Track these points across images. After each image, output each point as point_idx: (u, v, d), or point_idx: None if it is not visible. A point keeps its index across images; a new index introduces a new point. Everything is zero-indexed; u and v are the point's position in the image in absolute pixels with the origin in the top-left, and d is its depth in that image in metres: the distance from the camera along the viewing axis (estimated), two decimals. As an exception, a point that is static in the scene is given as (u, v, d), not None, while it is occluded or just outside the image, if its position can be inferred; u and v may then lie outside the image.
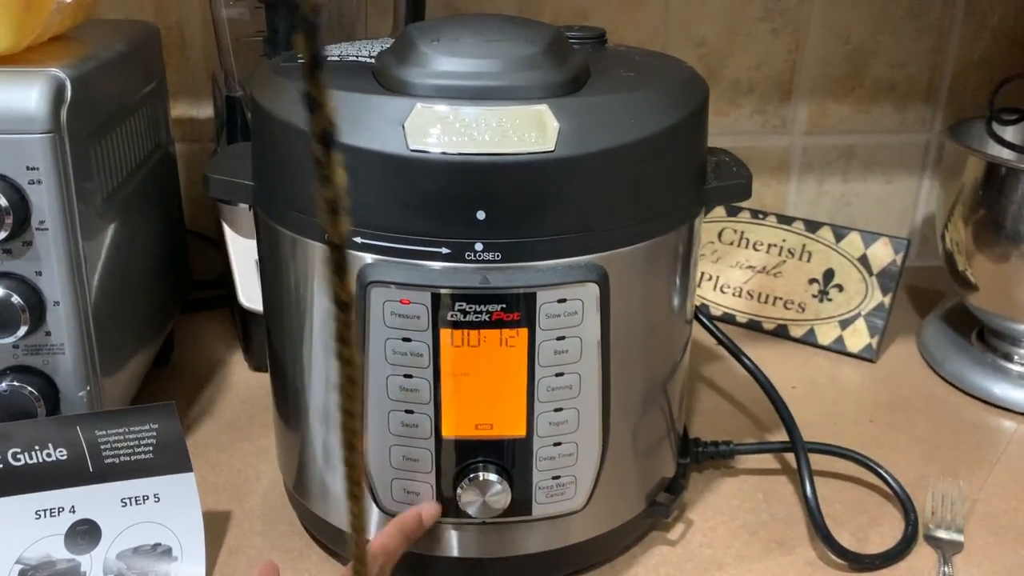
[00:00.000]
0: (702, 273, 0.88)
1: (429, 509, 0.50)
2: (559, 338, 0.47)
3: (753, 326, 0.86)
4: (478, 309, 0.46)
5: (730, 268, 0.88)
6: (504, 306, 0.46)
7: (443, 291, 0.45)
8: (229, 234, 0.74)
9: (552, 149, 0.44)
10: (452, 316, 0.46)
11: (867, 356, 0.81)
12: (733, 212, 0.88)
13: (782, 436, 0.66)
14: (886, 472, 0.64)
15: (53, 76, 0.53)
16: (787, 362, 0.81)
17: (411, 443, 0.49)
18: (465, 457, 0.49)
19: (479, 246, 0.45)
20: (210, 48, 0.86)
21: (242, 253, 0.73)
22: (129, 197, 0.66)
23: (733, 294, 0.87)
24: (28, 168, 0.53)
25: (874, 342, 0.81)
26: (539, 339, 0.47)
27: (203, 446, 0.68)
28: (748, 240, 0.87)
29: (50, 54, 0.58)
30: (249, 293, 0.72)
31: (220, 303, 0.88)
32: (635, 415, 0.53)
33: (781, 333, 0.85)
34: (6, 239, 0.53)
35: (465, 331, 0.46)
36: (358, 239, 0.46)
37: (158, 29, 0.74)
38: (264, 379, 0.77)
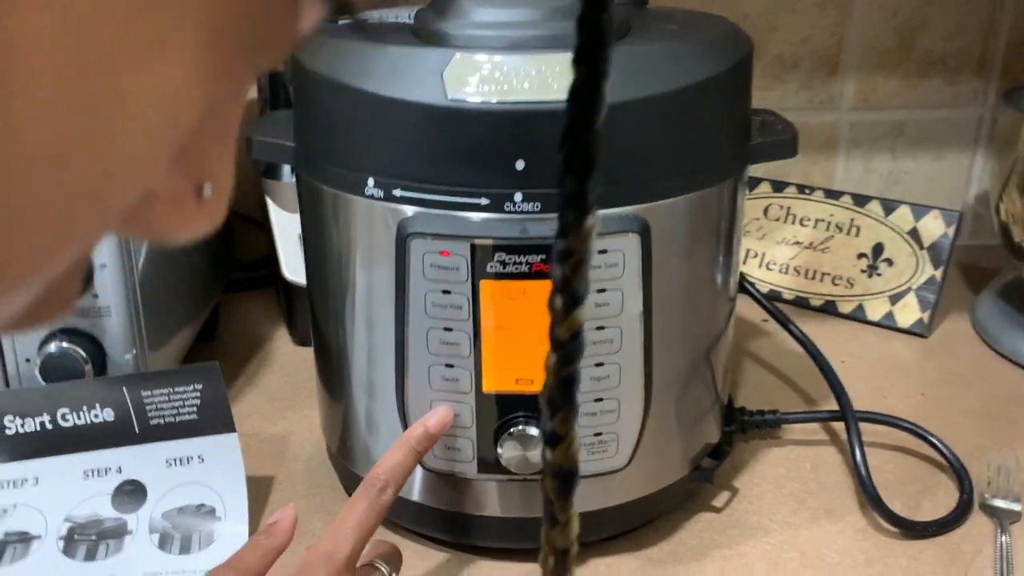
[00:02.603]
0: (748, 250, 0.87)
1: (435, 417, 0.48)
2: (600, 291, 0.47)
3: (800, 303, 0.84)
4: (518, 260, 0.45)
5: (776, 244, 0.86)
6: (544, 257, 0.45)
7: (482, 242, 0.45)
8: (272, 208, 0.75)
9: (592, 96, 0.44)
10: (492, 267, 0.45)
11: (918, 331, 0.79)
12: (779, 188, 0.87)
13: (830, 408, 0.64)
14: (939, 441, 0.62)
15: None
16: (835, 338, 0.80)
17: (452, 398, 0.49)
18: (505, 412, 0.49)
19: (518, 196, 0.45)
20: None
21: (285, 227, 0.74)
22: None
23: (780, 271, 0.86)
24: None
25: (925, 317, 0.79)
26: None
27: (247, 415, 0.68)
28: (795, 216, 0.86)
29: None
30: (292, 265, 0.73)
31: (265, 283, 0.89)
32: (678, 376, 0.52)
33: (829, 309, 0.83)
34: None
35: (505, 282, 0.46)
36: (397, 191, 0.46)
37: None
38: (308, 353, 0.77)
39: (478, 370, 0.48)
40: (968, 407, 0.69)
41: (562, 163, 0.18)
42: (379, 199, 0.47)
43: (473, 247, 0.45)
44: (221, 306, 0.83)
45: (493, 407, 0.49)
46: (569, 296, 0.19)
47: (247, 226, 0.92)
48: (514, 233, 0.45)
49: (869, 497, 0.56)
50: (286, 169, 0.74)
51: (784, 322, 0.65)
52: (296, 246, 0.74)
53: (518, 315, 0.47)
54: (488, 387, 0.48)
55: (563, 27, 0.46)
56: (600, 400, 0.49)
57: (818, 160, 0.94)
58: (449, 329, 0.47)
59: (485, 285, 0.46)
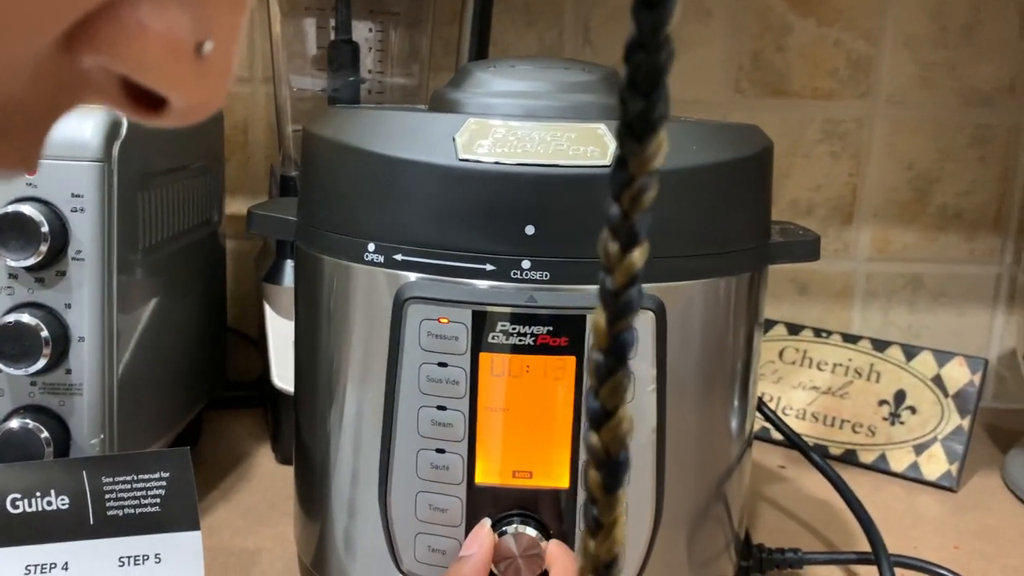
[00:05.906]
0: (763, 393, 0.83)
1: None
2: (610, 372, 0.43)
3: (819, 451, 0.79)
4: (522, 331, 0.42)
5: (792, 389, 0.82)
6: (551, 329, 0.42)
7: (485, 308, 0.42)
8: (269, 314, 0.72)
9: (610, 164, 0.42)
10: (494, 337, 0.42)
11: (946, 484, 0.74)
12: (794, 331, 0.84)
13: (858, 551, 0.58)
14: (981, 591, 0.56)
15: (111, 111, 0.54)
16: (858, 488, 0.73)
17: (440, 489, 0.44)
18: (500, 509, 0.44)
19: (526, 263, 0.42)
20: (272, 148, 0.87)
21: (279, 332, 0.71)
22: (172, 258, 0.64)
23: (796, 416, 0.81)
24: (73, 195, 0.52)
25: (954, 469, 0.74)
26: (587, 369, 0.42)
27: (217, 529, 0.62)
28: (811, 359, 0.82)
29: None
30: (282, 373, 0.69)
31: (254, 403, 0.85)
32: (690, 489, 0.47)
33: (850, 459, 0.78)
34: (40, 266, 0.52)
35: (507, 356, 0.42)
36: (398, 256, 0.44)
37: (221, 113, 0.76)
38: (289, 471, 0.72)
39: (472, 457, 0.43)
40: (1009, 563, 0.63)
41: (626, 79, 0.17)
42: (379, 264, 0.44)
43: (475, 314, 0.42)
44: (206, 422, 0.78)
45: (486, 503, 0.44)
46: (627, 233, 0.18)
47: (242, 346, 0.89)
48: (519, 301, 0.42)
49: (907, 644, 0.49)
50: (287, 274, 0.72)
51: (804, 450, 0.61)
52: (289, 354, 0.70)
53: (519, 395, 0.43)
54: (481, 478, 0.43)
55: (579, 99, 0.45)
56: (606, 501, 0.44)
57: (834, 308, 0.91)
58: (443, 408, 0.43)
59: (485, 358, 0.42)
